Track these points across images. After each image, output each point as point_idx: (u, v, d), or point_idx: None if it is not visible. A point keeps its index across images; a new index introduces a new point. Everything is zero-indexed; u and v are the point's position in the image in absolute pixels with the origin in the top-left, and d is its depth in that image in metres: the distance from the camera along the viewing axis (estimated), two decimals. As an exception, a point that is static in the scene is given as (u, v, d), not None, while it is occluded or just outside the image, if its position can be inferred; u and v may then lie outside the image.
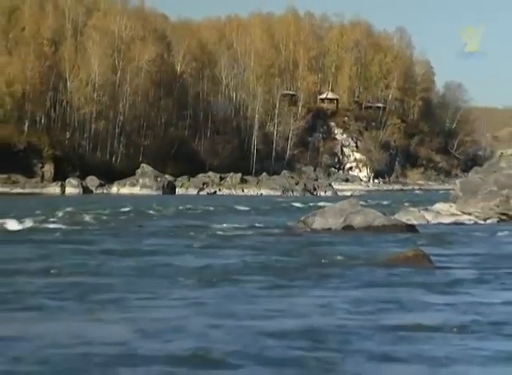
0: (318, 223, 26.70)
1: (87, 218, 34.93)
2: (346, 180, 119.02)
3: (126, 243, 23.37)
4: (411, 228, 27.17)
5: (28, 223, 30.50)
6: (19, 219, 31.99)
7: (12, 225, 29.42)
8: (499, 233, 27.09)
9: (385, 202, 53.30)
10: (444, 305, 12.46)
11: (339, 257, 18.80)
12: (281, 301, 12.83)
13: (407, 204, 43.71)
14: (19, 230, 27.63)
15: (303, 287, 14.30)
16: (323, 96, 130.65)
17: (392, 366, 8.46)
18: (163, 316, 11.25)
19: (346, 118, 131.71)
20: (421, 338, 9.82)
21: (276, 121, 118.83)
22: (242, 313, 11.41)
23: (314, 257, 18.93)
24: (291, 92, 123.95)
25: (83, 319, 11.08)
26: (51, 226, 30.10)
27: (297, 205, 52.71)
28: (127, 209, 42.74)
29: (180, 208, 46.02)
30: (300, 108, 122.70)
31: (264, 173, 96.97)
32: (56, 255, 19.76)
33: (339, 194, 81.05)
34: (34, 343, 9.26)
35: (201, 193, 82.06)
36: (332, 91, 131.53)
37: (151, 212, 42.32)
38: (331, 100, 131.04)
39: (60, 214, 35.86)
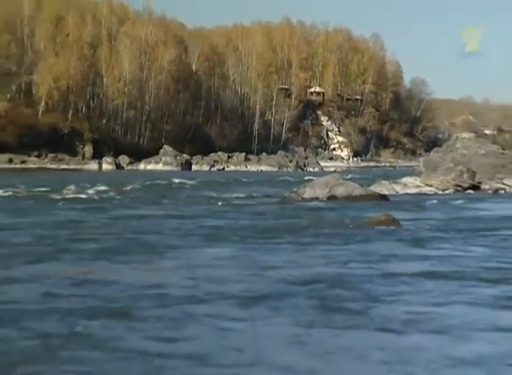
0: (307, 193, 26.80)
1: (122, 189, 35.14)
2: (331, 159, 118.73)
3: (156, 209, 23.60)
4: (383, 197, 27.33)
5: (76, 193, 30.83)
6: (69, 189, 32.36)
7: (64, 194, 29.77)
8: (455, 202, 27.27)
9: (362, 176, 53.14)
10: (424, 256, 12.72)
11: (329, 220, 19.04)
12: (295, 254, 13.08)
13: (380, 178, 43.58)
14: (69, 199, 27.82)
15: (310, 244, 14.48)
16: (312, 90, 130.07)
17: (396, 303, 8.72)
18: (208, 265, 11.62)
19: (330, 108, 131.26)
20: (415, 282, 10.08)
21: (274, 110, 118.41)
22: (267, 263, 11.72)
23: (310, 220, 19.13)
24: (286, 87, 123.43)
25: (149, 267, 11.44)
26: (94, 195, 30.41)
27: (291, 178, 52.41)
28: (153, 182, 42.71)
29: (197, 181, 45.83)
30: (293, 100, 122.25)
31: (263, 153, 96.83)
32: (103, 218, 20.06)
33: (325, 169, 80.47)
34: (117, 286, 9.63)
35: (212, 169, 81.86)
36: (320, 85, 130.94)
37: (173, 184, 42.38)
38: (318, 93, 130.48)
39: (100, 186, 35.92)
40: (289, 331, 7.22)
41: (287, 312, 8.11)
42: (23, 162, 76.95)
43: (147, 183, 41.72)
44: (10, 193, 30.25)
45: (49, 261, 11.86)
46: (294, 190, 27.99)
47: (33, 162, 77.79)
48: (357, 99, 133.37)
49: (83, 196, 29.53)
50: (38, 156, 79.98)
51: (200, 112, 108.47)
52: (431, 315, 7.98)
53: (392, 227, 16.90)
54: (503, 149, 39.22)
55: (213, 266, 11.54)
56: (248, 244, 14.41)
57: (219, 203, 26.22)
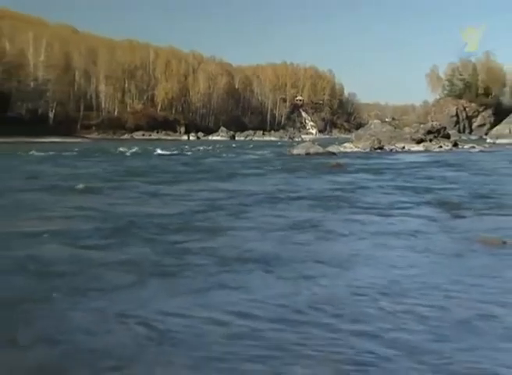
0: (295, 151, 26.51)
1: (201, 149, 35.09)
2: (307, 134, 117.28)
3: (223, 157, 23.34)
4: (334, 153, 27.09)
5: (174, 151, 30.59)
6: (167, 150, 32.06)
7: (161, 151, 28.74)
8: (371, 155, 27.00)
9: (323, 143, 52.27)
10: (371, 180, 12.23)
11: (311, 164, 18.56)
12: (308, 179, 12.62)
13: (332, 143, 42.82)
14: (166, 154, 27.39)
15: (310, 175, 13.94)
16: (297, 98, 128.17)
17: (372, 200, 8.60)
18: (273, 183, 11.28)
19: (307, 107, 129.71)
20: (377, 191, 9.78)
21: (277, 109, 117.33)
22: (301, 184, 11.24)
23: (302, 164, 18.65)
24: (283, 96, 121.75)
25: (249, 183, 11.12)
26: (188, 153, 29.93)
27: (286, 144, 52.02)
28: (216, 146, 42.67)
29: (238, 145, 45.71)
30: (287, 103, 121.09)
31: (272, 131, 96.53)
32: (201, 162, 19.45)
33: (304, 140, 79.70)
34: (243, 193, 9.38)
35: (246, 139, 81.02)
36: (301, 96, 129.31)
37: (227, 146, 42.14)
38: (301, 100, 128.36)
39: (191, 148, 35.74)
40: (324, 215, 7.25)
41: (321, 206, 8.08)
42: (149, 135, 77.27)
43: (214, 146, 41.58)
44: (138, 150, 29.53)
45: (196, 182, 11.19)
46: (288, 150, 27.87)
47: (154, 135, 77.93)
48: (320, 103, 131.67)
49: (189, 153, 28.96)
50: (157, 132, 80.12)
51: (239, 110, 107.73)
52: (392, 208, 7.89)
53: (341, 168, 16.83)
54: (394, 128, 38.91)
55: (275, 183, 11.14)
56: (283, 174, 13.88)
57: (250, 157, 25.97)
